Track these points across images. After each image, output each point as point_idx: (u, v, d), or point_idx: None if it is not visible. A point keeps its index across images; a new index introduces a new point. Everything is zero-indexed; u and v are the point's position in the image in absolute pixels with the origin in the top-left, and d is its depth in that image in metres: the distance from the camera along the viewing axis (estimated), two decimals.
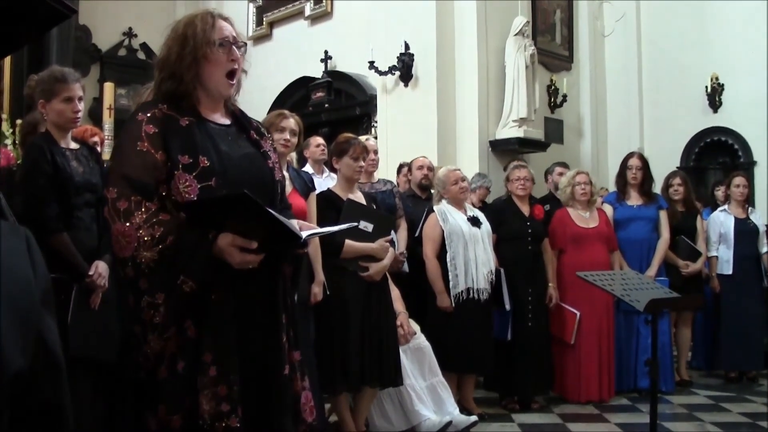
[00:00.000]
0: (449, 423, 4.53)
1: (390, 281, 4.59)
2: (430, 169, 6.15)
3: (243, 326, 2.13)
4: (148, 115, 2.15)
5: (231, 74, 2.25)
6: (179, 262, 2.01)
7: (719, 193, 7.33)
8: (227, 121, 2.33)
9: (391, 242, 4.53)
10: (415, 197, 6.04)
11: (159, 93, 2.26)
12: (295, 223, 2.23)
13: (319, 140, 6.20)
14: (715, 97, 8.70)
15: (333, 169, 4.79)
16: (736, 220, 6.63)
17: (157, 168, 2.10)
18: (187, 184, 2.09)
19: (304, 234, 2.12)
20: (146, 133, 2.12)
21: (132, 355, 2.13)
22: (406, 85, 8.32)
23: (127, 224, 2.02)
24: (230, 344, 2.09)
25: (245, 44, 2.32)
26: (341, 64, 10.13)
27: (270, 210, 1.97)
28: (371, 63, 8.37)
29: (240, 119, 2.37)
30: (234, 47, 2.25)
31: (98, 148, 4.09)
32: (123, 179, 2.08)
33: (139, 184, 2.07)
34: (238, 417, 2.06)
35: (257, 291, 2.17)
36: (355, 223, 2.17)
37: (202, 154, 2.13)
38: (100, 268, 3.42)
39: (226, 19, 2.31)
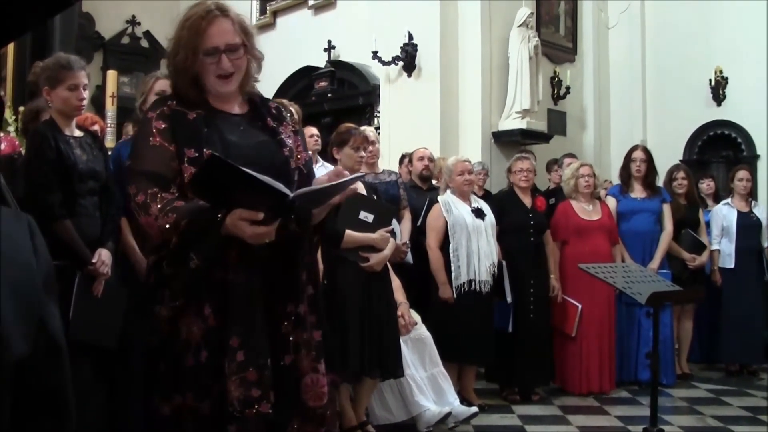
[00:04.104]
0: (449, 414, 4.53)
1: (391, 271, 4.59)
2: (431, 160, 6.15)
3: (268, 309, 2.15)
4: (157, 112, 2.22)
5: (223, 76, 2.25)
6: (190, 243, 2.08)
7: (703, 185, 7.32)
8: (242, 110, 2.34)
9: (392, 232, 4.53)
10: (416, 188, 6.03)
11: (172, 85, 2.34)
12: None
13: (313, 130, 6.17)
14: (718, 90, 8.66)
15: (327, 160, 4.78)
16: (739, 213, 6.63)
17: (172, 159, 2.16)
18: None
19: (300, 191, 2.08)
20: (157, 129, 2.19)
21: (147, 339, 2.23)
22: (409, 76, 8.29)
23: (148, 216, 2.10)
24: (257, 326, 2.11)
25: (242, 45, 2.25)
26: (344, 54, 10.10)
27: (246, 169, 1.96)
28: (374, 53, 8.34)
29: (257, 106, 2.37)
30: (224, 56, 2.21)
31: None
32: (139, 175, 2.16)
33: (154, 176, 2.13)
34: (270, 402, 2.07)
35: (274, 272, 2.18)
36: (355, 176, 2.10)
37: (207, 147, 2.15)
38: (103, 256, 3.42)
39: (227, 16, 2.25)
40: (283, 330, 2.20)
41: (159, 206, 2.08)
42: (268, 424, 2.12)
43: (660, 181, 6.52)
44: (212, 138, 2.18)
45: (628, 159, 6.37)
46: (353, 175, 2.10)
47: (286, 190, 2.01)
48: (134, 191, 2.14)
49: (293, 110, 4.16)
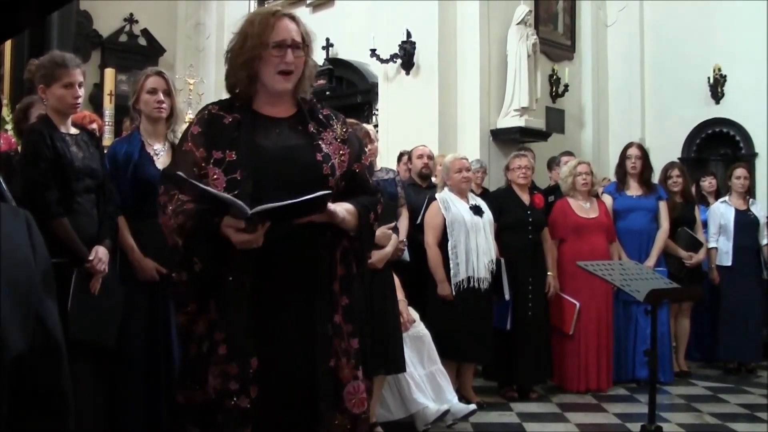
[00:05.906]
0: (447, 411, 4.53)
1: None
2: (430, 157, 6.14)
3: (269, 309, 2.20)
4: (198, 117, 2.35)
5: (285, 72, 2.30)
6: (193, 245, 2.17)
7: (705, 183, 7.32)
8: (286, 114, 2.37)
9: (394, 229, 4.52)
10: (415, 186, 6.02)
11: (226, 85, 2.42)
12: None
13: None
14: (717, 88, 8.65)
15: None
16: (737, 211, 6.63)
17: (195, 164, 2.24)
18: (216, 177, 2.22)
19: (261, 208, 2.07)
20: (191, 134, 2.30)
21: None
22: (407, 74, 8.28)
23: (164, 216, 2.22)
24: (244, 325, 2.17)
25: (306, 45, 2.33)
26: (343, 52, 10.09)
27: (198, 183, 2.10)
28: (373, 51, 8.33)
29: (302, 111, 2.38)
30: (290, 50, 2.28)
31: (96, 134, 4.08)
32: (166, 177, 2.31)
33: (176, 178, 2.20)
34: (250, 398, 2.13)
35: (287, 275, 2.22)
36: (327, 191, 2.09)
37: (232, 149, 2.23)
38: (100, 253, 3.42)
39: (293, 19, 2.34)
40: (329, 333, 2.26)
41: (172, 207, 2.18)
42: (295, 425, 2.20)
43: (655, 179, 6.52)
44: (240, 141, 2.25)
45: (623, 156, 6.38)
46: (318, 193, 2.08)
47: (245, 208, 2.04)
48: (161, 192, 2.27)
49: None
